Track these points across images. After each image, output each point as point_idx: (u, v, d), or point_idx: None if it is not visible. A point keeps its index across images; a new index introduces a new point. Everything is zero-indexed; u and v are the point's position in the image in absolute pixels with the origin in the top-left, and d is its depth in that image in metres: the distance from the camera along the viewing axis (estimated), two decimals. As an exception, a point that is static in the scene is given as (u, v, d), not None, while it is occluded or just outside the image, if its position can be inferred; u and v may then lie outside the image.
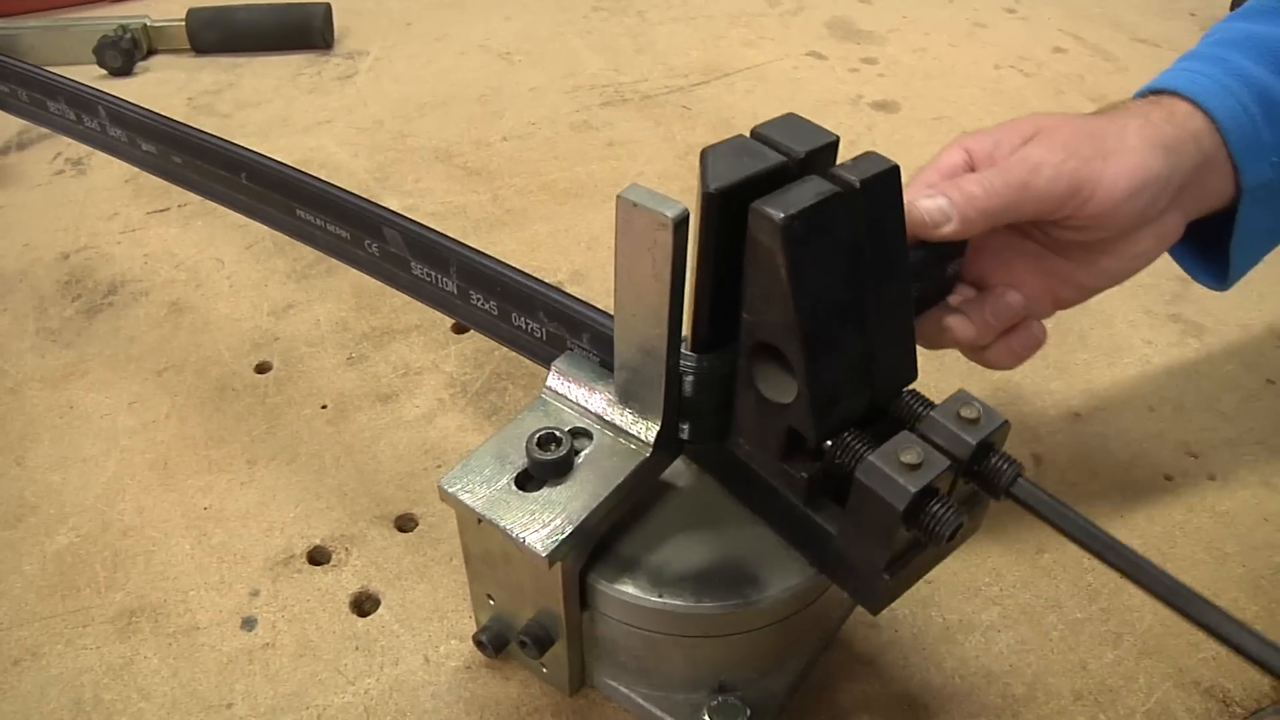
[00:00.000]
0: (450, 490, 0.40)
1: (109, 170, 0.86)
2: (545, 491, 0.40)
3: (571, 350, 0.46)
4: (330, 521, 0.56)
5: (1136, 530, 0.56)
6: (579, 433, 0.42)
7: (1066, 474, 0.59)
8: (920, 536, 0.35)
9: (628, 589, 0.41)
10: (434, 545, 0.54)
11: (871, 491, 0.34)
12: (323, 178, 0.53)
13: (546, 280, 0.47)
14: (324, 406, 0.63)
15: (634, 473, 0.41)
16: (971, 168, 0.45)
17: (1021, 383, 0.66)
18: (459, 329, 0.69)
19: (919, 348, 0.41)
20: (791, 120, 0.37)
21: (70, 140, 0.67)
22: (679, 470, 0.46)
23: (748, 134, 0.37)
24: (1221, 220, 0.47)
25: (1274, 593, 0.53)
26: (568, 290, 0.46)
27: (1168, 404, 0.64)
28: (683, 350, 0.39)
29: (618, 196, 0.35)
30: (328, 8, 1.07)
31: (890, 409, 0.39)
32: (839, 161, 0.36)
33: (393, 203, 0.52)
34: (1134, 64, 1.09)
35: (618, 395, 0.42)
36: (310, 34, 1.06)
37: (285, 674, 0.48)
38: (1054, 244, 0.46)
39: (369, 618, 0.51)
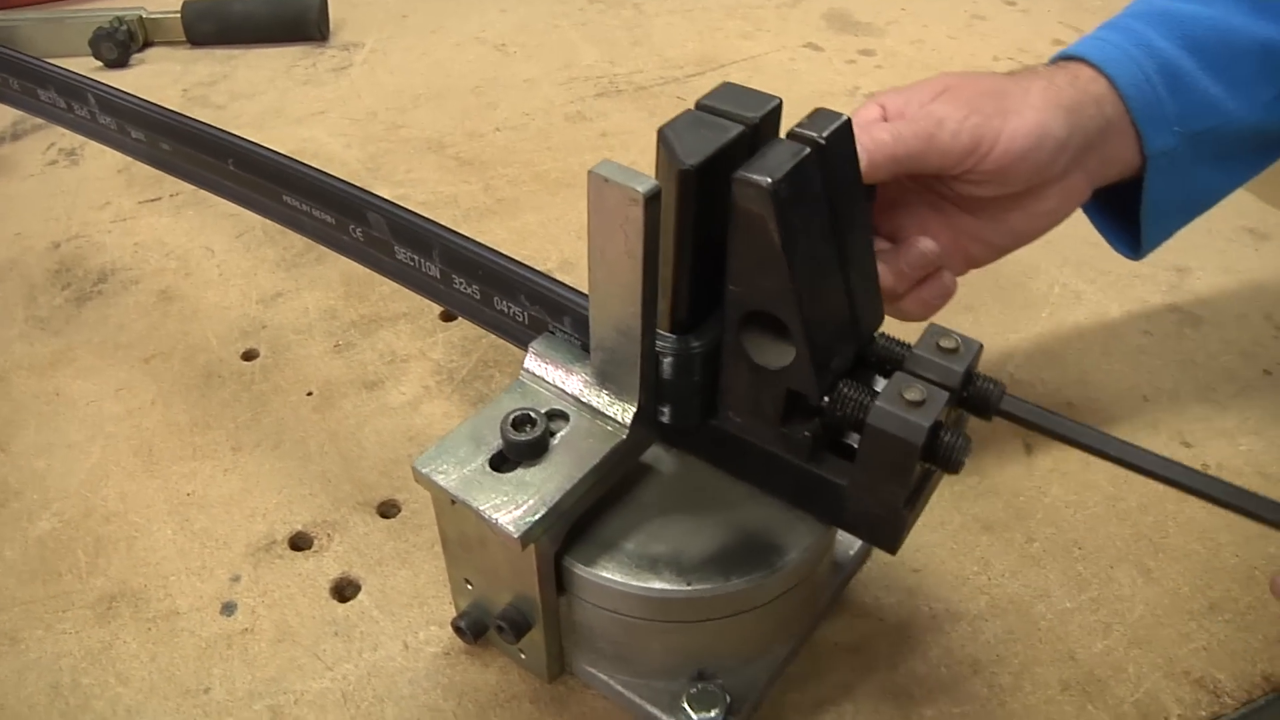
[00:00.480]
0: (424, 471, 0.39)
1: (101, 160, 0.86)
2: (520, 473, 0.39)
3: (552, 333, 0.45)
4: (313, 507, 0.55)
5: (1130, 519, 0.55)
6: (556, 414, 0.42)
7: (1059, 463, 0.58)
8: (934, 467, 0.37)
9: (604, 572, 0.41)
10: (416, 531, 0.54)
11: (887, 434, 0.35)
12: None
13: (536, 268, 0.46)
14: (310, 394, 0.63)
15: (610, 454, 0.40)
16: (885, 121, 0.47)
17: (1014, 371, 0.65)
18: (446, 317, 0.69)
19: None
20: (731, 89, 0.37)
21: (63, 130, 0.66)
22: (659, 454, 0.46)
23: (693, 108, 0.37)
24: (1134, 188, 0.50)
25: (1267, 583, 0.52)
26: (557, 278, 0.46)
27: (1163, 394, 0.64)
28: (660, 332, 0.39)
29: (589, 172, 0.34)
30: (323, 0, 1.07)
31: (866, 354, 0.40)
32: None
33: (384, 193, 0.52)
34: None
35: (595, 377, 0.41)
36: (306, 26, 1.06)
37: (264, 659, 0.48)
38: (963, 201, 0.48)
39: (349, 603, 0.51)
